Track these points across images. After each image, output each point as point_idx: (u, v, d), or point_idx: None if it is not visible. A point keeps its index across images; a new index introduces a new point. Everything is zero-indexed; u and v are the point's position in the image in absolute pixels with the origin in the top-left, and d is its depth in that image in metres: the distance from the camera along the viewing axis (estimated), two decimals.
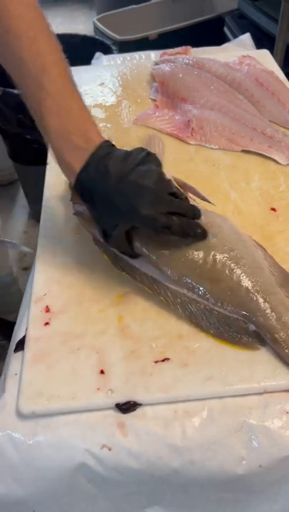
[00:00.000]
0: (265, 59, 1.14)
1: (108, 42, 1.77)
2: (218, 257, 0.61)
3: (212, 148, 0.91)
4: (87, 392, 0.56)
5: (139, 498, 0.58)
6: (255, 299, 0.59)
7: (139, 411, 0.56)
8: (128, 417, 0.55)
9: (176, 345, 0.60)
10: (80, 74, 1.16)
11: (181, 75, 1.02)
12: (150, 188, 0.56)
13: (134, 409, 0.56)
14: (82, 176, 0.58)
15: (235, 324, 0.59)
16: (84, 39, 1.78)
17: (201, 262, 0.61)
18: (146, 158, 0.59)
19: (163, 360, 0.59)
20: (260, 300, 0.59)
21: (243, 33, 1.40)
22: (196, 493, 0.58)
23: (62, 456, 0.54)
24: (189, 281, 0.61)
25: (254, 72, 1.05)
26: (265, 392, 0.56)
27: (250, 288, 0.59)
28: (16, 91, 1.41)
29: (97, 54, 1.31)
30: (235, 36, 1.87)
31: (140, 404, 0.56)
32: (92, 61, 1.28)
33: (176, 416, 0.55)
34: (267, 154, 0.88)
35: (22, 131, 1.51)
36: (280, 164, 0.87)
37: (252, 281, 0.60)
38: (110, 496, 0.58)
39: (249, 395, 0.56)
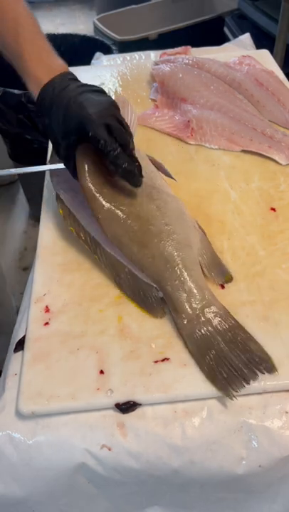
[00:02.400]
0: (265, 59, 1.14)
1: (108, 42, 1.76)
2: (153, 226, 0.67)
3: (212, 148, 0.91)
4: (87, 392, 0.56)
5: (138, 498, 0.58)
6: (171, 269, 0.64)
7: (138, 411, 0.56)
8: (128, 417, 0.55)
9: (175, 345, 0.60)
10: (80, 74, 1.15)
11: (181, 75, 1.02)
12: (104, 102, 0.65)
13: (133, 409, 0.56)
14: (46, 87, 0.67)
15: (149, 291, 0.64)
16: (84, 39, 1.78)
17: (136, 227, 0.67)
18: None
19: (162, 360, 0.59)
20: (176, 272, 0.63)
21: (243, 33, 1.41)
22: (196, 493, 0.58)
23: (62, 456, 0.54)
24: (121, 241, 0.66)
25: (254, 72, 1.05)
26: (265, 392, 0.56)
27: (170, 259, 0.64)
28: (16, 91, 1.41)
29: (97, 54, 1.31)
30: (235, 36, 1.87)
31: (140, 404, 0.56)
32: (92, 61, 1.28)
33: (176, 416, 0.55)
34: (267, 154, 0.88)
35: (22, 131, 1.51)
36: (280, 164, 0.87)
37: (175, 255, 0.65)
38: (110, 496, 0.58)
39: (249, 394, 0.56)
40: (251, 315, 0.63)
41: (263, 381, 0.56)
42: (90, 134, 0.62)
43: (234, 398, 0.55)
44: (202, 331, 0.60)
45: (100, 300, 0.66)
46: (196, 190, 0.77)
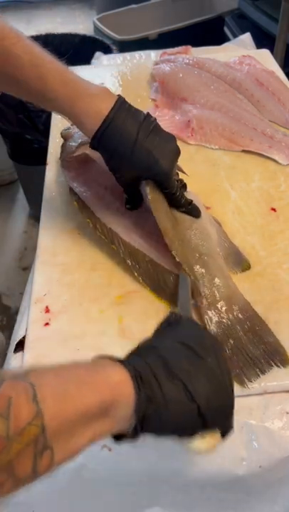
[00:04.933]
0: (265, 59, 1.14)
1: (108, 42, 1.76)
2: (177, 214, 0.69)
3: (212, 148, 0.91)
4: None
5: (139, 499, 0.58)
6: (197, 257, 0.65)
7: None
8: None
9: None
10: (80, 74, 1.15)
11: (181, 75, 1.02)
12: (172, 150, 0.65)
13: None
14: (108, 121, 0.61)
15: (169, 279, 0.65)
16: (84, 39, 1.78)
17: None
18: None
19: None
20: (201, 259, 0.65)
21: (243, 32, 1.40)
22: (196, 494, 0.58)
23: None
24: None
25: (254, 72, 1.05)
26: (266, 392, 0.56)
27: (195, 247, 0.67)
28: None
29: (97, 54, 1.31)
30: (235, 36, 1.87)
31: None
32: (92, 61, 1.28)
33: None
34: (267, 154, 0.88)
35: (22, 131, 1.51)
36: (280, 164, 0.87)
37: (200, 243, 0.67)
38: (110, 497, 0.58)
39: (249, 395, 0.56)
40: None
41: (264, 382, 0.56)
42: (165, 186, 0.66)
43: (246, 386, 0.56)
44: (223, 318, 0.61)
45: (100, 300, 0.65)
46: (197, 190, 0.77)
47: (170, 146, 0.65)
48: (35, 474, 0.31)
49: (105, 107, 0.62)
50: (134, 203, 0.72)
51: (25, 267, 1.77)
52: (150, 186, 0.67)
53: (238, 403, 0.55)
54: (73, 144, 0.82)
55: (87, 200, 0.75)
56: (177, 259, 0.64)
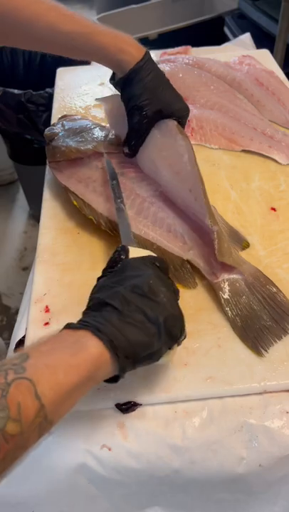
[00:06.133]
0: (265, 59, 1.14)
1: None
2: None
3: (212, 148, 0.91)
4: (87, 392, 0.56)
5: (139, 499, 0.58)
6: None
7: (139, 411, 0.56)
8: (128, 417, 0.55)
9: None
10: (80, 74, 1.16)
11: (181, 75, 1.02)
12: (181, 96, 0.79)
13: (134, 409, 0.55)
14: (147, 56, 0.73)
15: (179, 264, 0.67)
16: None
17: None
18: None
19: None
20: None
21: (243, 32, 1.41)
22: (196, 494, 0.58)
23: (62, 456, 0.54)
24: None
25: (254, 72, 1.05)
26: (265, 392, 0.56)
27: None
28: (16, 91, 1.41)
29: None
30: (235, 36, 1.87)
31: (140, 404, 0.56)
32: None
33: (176, 416, 0.55)
34: (267, 154, 0.88)
35: (22, 131, 1.51)
36: (280, 164, 0.87)
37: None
38: (110, 496, 0.58)
39: (249, 394, 0.56)
40: None
41: (264, 381, 0.56)
42: (182, 122, 0.77)
43: (263, 355, 0.59)
44: (237, 288, 0.64)
45: None
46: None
47: (181, 96, 0.78)
48: (40, 439, 0.42)
49: (143, 48, 0.74)
50: (135, 146, 0.77)
51: (25, 267, 1.77)
52: (175, 122, 0.74)
53: (238, 402, 0.56)
54: (60, 143, 0.82)
55: (86, 197, 0.75)
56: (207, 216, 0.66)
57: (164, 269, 0.54)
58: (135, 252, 0.57)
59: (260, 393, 0.56)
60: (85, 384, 0.45)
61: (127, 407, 0.55)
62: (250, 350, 0.59)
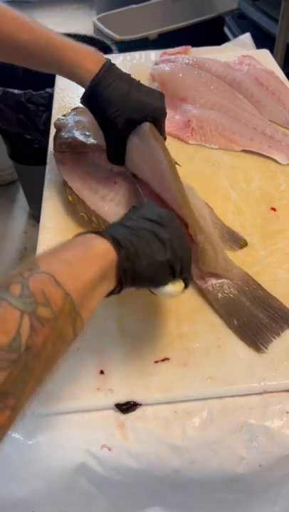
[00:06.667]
0: (265, 59, 1.14)
1: (108, 42, 1.76)
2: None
3: (212, 148, 0.91)
4: (87, 392, 0.56)
5: (139, 499, 0.58)
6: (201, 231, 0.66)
7: (139, 411, 0.56)
8: (128, 417, 0.55)
9: (176, 345, 0.60)
10: None
11: (181, 75, 1.02)
12: (159, 96, 0.73)
13: (134, 409, 0.55)
14: (106, 66, 0.69)
15: None
16: (84, 39, 1.78)
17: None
18: None
19: (163, 360, 0.59)
20: (205, 234, 0.66)
21: (243, 32, 1.41)
22: (196, 494, 0.58)
23: (62, 456, 0.54)
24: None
25: (254, 72, 1.05)
26: (265, 392, 0.56)
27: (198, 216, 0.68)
28: (16, 91, 1.41)
29: None
30: (235, 36, 1.87)
31: (140, 404, 0.56)
32: None
33: (176, 416, 0.55)
34: (267, 154, 0.88)
35: (22, 131, 1.51)
36: (280, 164, 0.87)
37: (200, 215, 0.69)
38: (110, 496, 0.58)
39: (249, 394, 0.56)
40: None
41: (264, 381, 0.56)
42: (158, 123, 0.72)
43: (263, 351, 0.59)
44: (227, 292, 0.64)
45: None
46: (197, 190, 0.77)
47: (157, 92, 0.74)
48: (75, 335, 0.43)
49: (101, 59, 0.70)
50: (119, 157, 0.75)
51: None
52: (148, 125, 0.69)
53: (238, 402, 0.56)
54: (67, 134, 0.82)
55: (82, 193, 0.76)
56: (186, 219, 0.64)
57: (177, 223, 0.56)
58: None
59: (260, 393, 0.56)
60: (100, 281, 0.46)
61: (127, 407, 0.55)
62: (250, 347, 0.59)
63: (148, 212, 0.55)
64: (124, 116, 0.69)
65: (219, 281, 0.65)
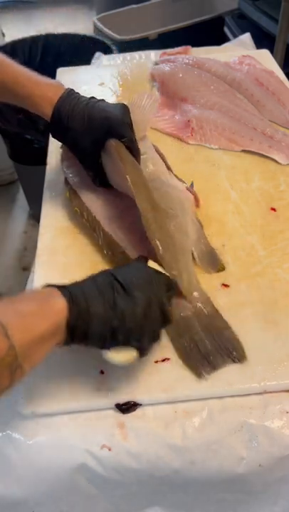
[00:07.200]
0: (265, 59, 1.14)
1: (108, 42, 1.76)
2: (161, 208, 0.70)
3: (212, 148, 0.91)
4: (87, 392, 0.56)
5: (139, 499, 0.58)
6: (167, 249, 0.65)
7: (139, 411, 0.56)
8: (128, 417, 0.55)
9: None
10: (80, 74, 1.16)
11: (181, 75, 1.02)
12: (119, 106, 0.72)
13: (134, 409, 0.56)
14: (64, 96, 0.71)
15: None
16: (84, 39, 1.78)
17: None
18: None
19: (163, 360, 0.59)
20: (170, 252, 0.65)
21: (243, 32, 1.40)
22: (197, 494, 0.58)
23: (62, 456, 0.54)
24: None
25: (254, 72, 1.05)
26: (265, 392, 0.56)
27: (170, 237, 0.67)
28: None
29: (97, 54, 1.31)
30: (235, 36, 1.87)
31: (140, 404, 0.56)
32: (92, 61, 1.28)
33: (176, 416, 0.55)
34: (267, 154, 0.88)
35: (22, 131, 1.51)
36: (280, 164, 0.87)
37: (174, 236, 0.68)
38: (110, 496, 0.58)
39: (249, 394, 0.56)
40: (251, 315, 0.63)
41: (264, 381, 0.56)
42: (121, 134, 0.70)
43: (204, 378, 0.57)
44: (183, 313, 0.62)
45: None
46: (196, 190, 0.77)
47: (119, 104, 0.73)
48: (12, 384, 0.44)
49: (59, 92, 0.72)
50: (101, 178, 0.75)
51: (25, 267, 1.77)
52: (111, 142, 0.69)
53: (238, 402, 0.56)
54: None
55: (79, 189, 0.77)
56: (148, 234, 0.64)
57: (169, 294, 0.56)
58: (152, 265, 0.59)
59: (260, 393, 0.56)
60: (50, 336, 0.47)
61: (127, 407, 0.55)
62: (192, 371, 0.58)
63: (125, 273, 0.54)
64: (89, 139, 0.71)
65: (177, 300, 0.62)
